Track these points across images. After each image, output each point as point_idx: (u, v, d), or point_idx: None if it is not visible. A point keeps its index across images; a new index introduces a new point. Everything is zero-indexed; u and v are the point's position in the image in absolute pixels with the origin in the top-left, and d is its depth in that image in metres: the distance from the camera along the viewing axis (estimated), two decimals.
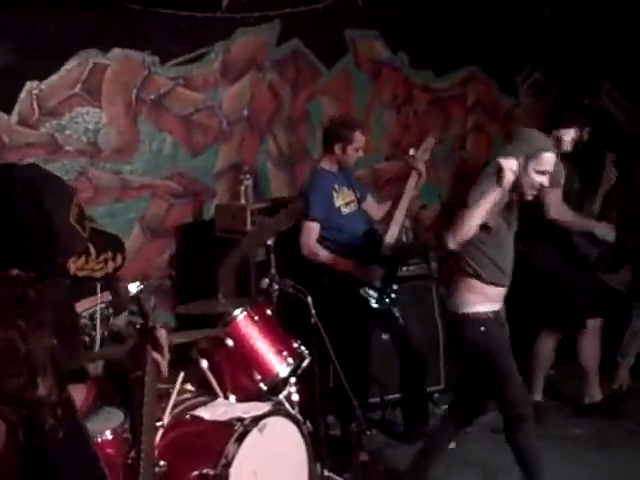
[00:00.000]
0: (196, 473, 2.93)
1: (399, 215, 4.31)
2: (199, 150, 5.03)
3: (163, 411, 3.08)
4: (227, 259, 3.99)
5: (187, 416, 3.19)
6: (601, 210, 4.78)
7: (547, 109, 6.41)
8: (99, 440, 2.88)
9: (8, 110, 4.29)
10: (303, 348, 3.61)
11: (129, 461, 2.85)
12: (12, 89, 4.29)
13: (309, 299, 3.60)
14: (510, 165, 3.20)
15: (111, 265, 1.49)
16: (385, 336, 4.51)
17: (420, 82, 6.04)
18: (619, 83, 6.33)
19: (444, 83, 6.16)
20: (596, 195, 4.74)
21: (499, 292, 3.43)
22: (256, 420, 3.07)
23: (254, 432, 3.03)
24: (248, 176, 4.85)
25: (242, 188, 4.83)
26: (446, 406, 4.83)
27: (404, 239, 4.49)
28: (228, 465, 2.92)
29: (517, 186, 3.32)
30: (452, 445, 4.21)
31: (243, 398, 3.39)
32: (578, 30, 6.22)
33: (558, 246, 4.50)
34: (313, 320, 3.60)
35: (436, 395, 4.94)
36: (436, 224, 5.93)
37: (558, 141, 3.49)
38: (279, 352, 3.52)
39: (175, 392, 3.17)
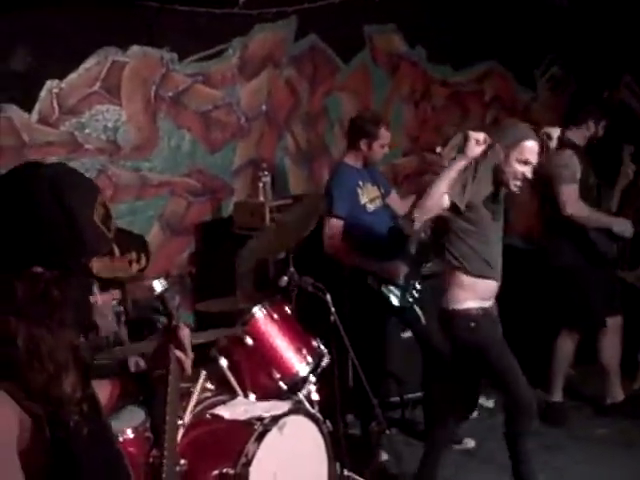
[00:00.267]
0: (216, 472, 2.94)
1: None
2: (217, 147, 5.04)
3: (184, 410, 3.09)
4: (241, 260, 3.99)
5: (207, 415, 3.20)
6: (619, 206, 4.74)
7: (565, 103, 6.37)
8: (121, 439, 2.89)
9: (29, 109, 4.30)
10: (322, 347, 3.60)
11: (150, 460, 2.86)
12: (32, 88, 4.30)
13: (328, 297, 3.60)
14: (476, 136, 3.23)
15: (135, 266, 1.49)
16: (405, 334, 4.50)
17: (438, 76, 6.02)
18: (639, 75, 6.27)
19: (462, 77, 6.13)
20: (614, 190, 4.70)
21: (488, 287, 3.42)
22: (276, 419, 3.07)
23: (274, 431, 3.04)
24: (266, 173, 4.85)
25: (260, 185, 4.83)
26: None
27: (423, 236, 4.46)
28: (248, 464, 2.93)
29: (501, 177, 3.35)
30: (472, 444, 4.22)
31: (263, 397, 3.39)
32: (597, 22, 6.17)
33: (576, 243, 4.46)
34: (332, 318, 3.60)
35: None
36: None
37: (548, 137, 3.46)
38: (298, 350, 3.51)
39: (197, 391, 3.18)
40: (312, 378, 3.48)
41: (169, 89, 4.80)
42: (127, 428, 2.97)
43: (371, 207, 4.31)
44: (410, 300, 4.17)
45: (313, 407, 3.42)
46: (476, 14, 5.90)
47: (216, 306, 3.80)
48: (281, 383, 3.43)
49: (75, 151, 4.46)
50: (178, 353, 1.95)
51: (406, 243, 4.29)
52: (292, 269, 3.80)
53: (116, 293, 3.64)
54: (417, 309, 4.19)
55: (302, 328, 3.63)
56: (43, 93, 4.34)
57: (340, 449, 3.47)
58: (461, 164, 3.26)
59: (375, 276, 4.12)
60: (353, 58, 5.60)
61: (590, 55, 6.28)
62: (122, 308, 3.70)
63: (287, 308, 3.66)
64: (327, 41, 5.43)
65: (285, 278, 3.78)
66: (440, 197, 3.25)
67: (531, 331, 4.84)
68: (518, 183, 3.38)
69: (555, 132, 3.51)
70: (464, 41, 5.92)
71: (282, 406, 3.21)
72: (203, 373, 3.23)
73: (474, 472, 3.87)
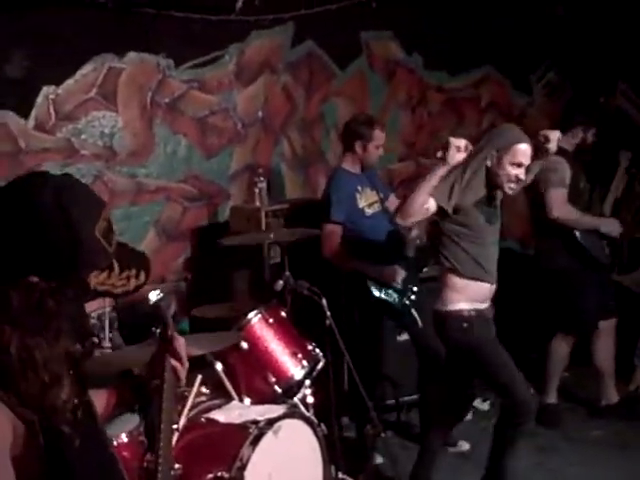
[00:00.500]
0: (211, 476, 2.93)
1: (418, 228, 4.33)
2: (214, 153, 5.06)
3: (179, 414, 3.09)
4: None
5: (202, 419, 3.20)
6: (612, 210, 4.76)
7: (561, 109, 6.39)
8: (115, 443, 2.89)
9: (25, 115, 4.33)
10: (318, 350, 3.61)
11: (145, 464, 2.86)
12: (29, 94, 4.33)
13: (324, 301, 3.61)
14: (457, 143, 3.27)
15: (133, 282, 1.48)
16: (400, 337, 4.51)
17: (434, 83, 6.04)
18: (635, 82, 6.29)
19: (458, 83, 6.15)
20: (607, 195, 4.72)
21: (481, 289, 3.42)
22: (271, 423, 3.07)
23: (269, 435, 3.04)
24: (262, 178, 4.87)
25: (256, 190, 4.84)
26: None
27: (420, 241, 4.47)
28: (243, 468, 2.92)
29: (495, 180, 3.37)
30: (467, 447, 4.22)
31: (258, 401, 3.40)
32: (593, 29, 6.19)
33: (568, 247, 4.48)
34: (328, 322, 3.61)
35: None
36: None
37: (546, 140, 3.48)
38: (294, 354, 3.52)
39: (192, 395, 3.18)
40: (307, 382, 3.48)
41: (165, 95, 4.82)
42: (121, 432, 2.97)
43: (369, 211, 4.32)
44: (407, 303, 4.19)
45: (308, 410, 3.42)
46: (472, 20, 5.92)
47: (212, 312, 3.81)
48: (276, 387, 3.44)
49: (71, 157, 4.48)
50: (174, 362, 1.95)
51: (404, 247, 4.30)
52: (287, 273, 3.81)
53: (108, 301, 3.64)
54: (414, 312, 4.20)
55: (297, 332, 3.64)
56: (39, 99, 4.36)
57: (335, 452, 3.47)
58: (442, 171, 3.29)
59: (373, 280, 4.14)
60: (350, 64, 5.62)
61: (586, 62, 6.31)
62: (115, 314, 3.71)
63: (282, 312, 3.67)
64: (324, 47, 5.45)
65: (280, 282, 3.79)
66: (421, 204, 3.27)
67: (526, 333, 4.86)
68: (512, 185, 3.39)
69: (554, 135, 3.53)
70: (460, 47, 5.95)
71: (277, 410, 3.21)
72: (198, 377, 3.24)
73: (468, 475, 3.87)
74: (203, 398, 3.32)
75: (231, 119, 5.11)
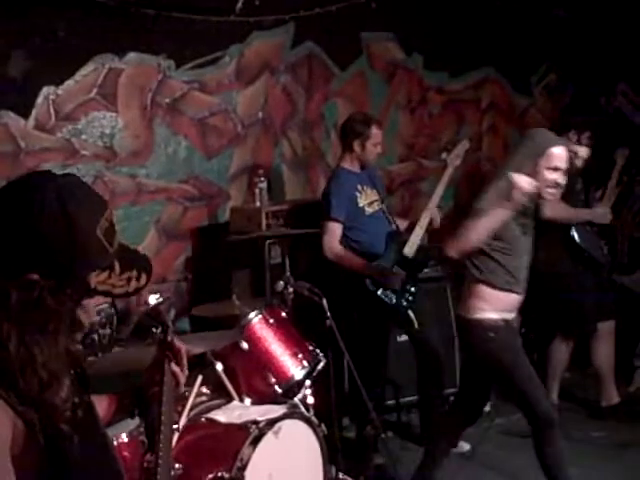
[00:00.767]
0: (211, 476, 2.93)
1: (419, 230, 4.33)
2: (214, 153, 5.06)
3: (180, 414, 3.09)
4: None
5: (202, 419, 3.20)
6: (611, 209, 4.76)
7: (562, 110, 6.40)
8: (115, 443, 2.89)
9: (25, 115, 4.33)
10: (318, 351, 3.60)
11: (145, 464, 2.86)
12: (29, 94, 4.32)
13: (324, 302, 3.60)
14: (522, 185, 3.15)
15: (134, 284, 1.47)
16: (401, 338, 4.51)
17: (435, 84, 6.04)
18: (635, 83, 6.29)
19: (459, 85, 6.16)
20: (604, 194, 4.72)
21: (511, 300, 3.37)
22: (271, 423, 3.07)
23: (269, 435, 3.03)
24: (263, 179, 4.87)
25: (257, 191, 4.85)
26: None
27: (420, 242, 4.47)
28: (243, 468, 2.92)
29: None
30: (467, 447, 4.21)
31: (258, 401, 3.39)
32: (593, 31, 6.19)
33: (566, 250, 4.48)
34: (328, 322, 3.60)
35: (452, 398, 4.94)
36: (447, 226, 5.94)
37: (576, 155, 3.45)
38: (294, 355, 3.51)
39: (193, 395, 3.18)
40: (308, 382, 3.48)
41: (165, 96, 4.82)
42: (122, 432, 2.97)
43: (369, 210, 4.32)
44: (405, 304, 4.19)
45: (309, 411, 3.41)
46: (472, 22, 5.93)
47: (212, 311, 3.81)
48: (277, 387, 3.43)
49: (71, 157, 4.48)
50: (174, 367, 1.95)
51: (403, 247, 4.30)
52: (288, 273, 3.81)
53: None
54: (411, 314, 4.20)
55: (298, 332, 3.63)
56: (40, 99, 4.36)
57: (335, 453, 3.47)
58: (504, 215, 3.16)
59: (372, 279, 4.14)
60: (350, 65, 5.63)
61: (586, 63, 6.31)
62: (113, 310, 3.70)
63: (283, 312, 3.66)
64: (324, 48, 5.46)
65: (281, 283, 3.78)
66: (479, 243, 3.19)
67: (527, 335, 4.85)
68: (551, 191, 3.28)
69: (583, 152, 3.47)
70: (460, 48, 5.95)
71: (277, 410, 3.21)
72: (199, 377, 3.24)
73: (469, 476, 3.87)
74: (203, 398, 3.33)
75: (231, 120, 5.11)
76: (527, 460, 3.94)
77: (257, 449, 2.97)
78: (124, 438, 2.95)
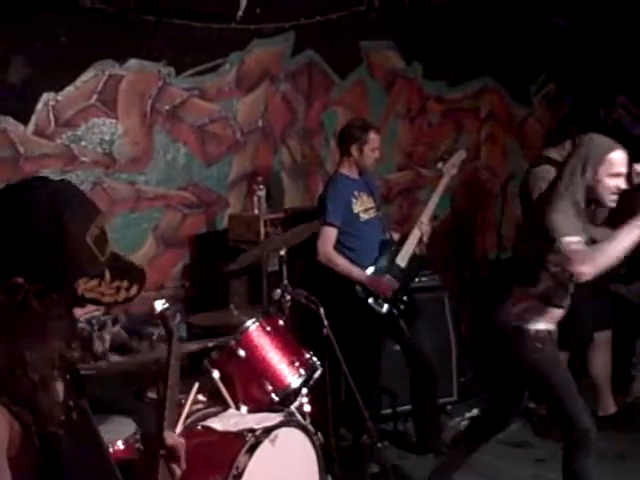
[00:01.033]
0: None
1: (413, 239, 4.34)
2: (213, 160, 5.06)
3: (176, 422, 3.09)
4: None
5: (198, 427, 3.20)
6: (607, 219, 4.75)
7: (560, 119, 6.41)
8: (111, 450, 2.89)
9: (25, 121, 4.33)
10: (315, 359, 3.61)
11: None
12: (29, 100, 4.32)
13: (321, 310, 3.61)
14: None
15: (123, 294, 1.46)
16: (397, 347, 4.51)
17: (434, 93, 6.05)
18: (634, 95, 6.31)
19: (458, 94, 6.17)
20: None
21: (559, 314, 3.31)
22: (267, 431, 3.08)
23: (265, 443, 3.04)
24: (262, 186, 4.88)
25: (255, 198, 4.85)
26: (459, 418, 4.86)
27: (416, 251, 4.48)
28: (239, 476, 2.93)
29: (594, 196, 3.17)
30: None
31: (255, 409, 3.40)
32: (593, 41, 6.21)
33: None
34: (325, 331, 3.61)
35: (449, 407, 4.95)
36: (446, 235, 5.95)
37: (637, 175, 3.39)
38: (291, 363, 3.52)
39: (189, 403, 3.18)
40: (304, 390, 3.48)
41: (165, 103, 4.82)
42: (117, 439, 2.97)
43: (364, 217, 4.34)
44: (396, 313, 4.19)
45: (305, 419, 3.42)
46: (472, 31, 5.95)
47: (209, 319, 3.81)
48: (273, 395, 3.44)
49: (71, 164, 4.47)
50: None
51: (397, 256, 4.31)
52: (285, 282, 3.81)
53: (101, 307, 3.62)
54: (402, 323, 4.21)
55: (295, 340, 3.64)
56: (39, 105, 4.35)
57: (331, 461, 3.46)
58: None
59: (363, 287, 4.15)
60: (350, 74, 5.64)
61: (585, 73, 6.33)
62: (108, 318, 3.69)
63: (280, 320, 3.67)
64: (324, 56, 5.47)
65: (278, 291, 3.79)
66: (617, 260, 3.07)
67: None
68: (613, 197, 3.18)
69: None
70: (460, 58, 5.97)
71: (274, 418, 3.21)
72: (195, 385, 3.24)
73: None
74: (200, 406, 3.33)
75: (231, 127, 5.11)
76: (527, 470, 3.96)
77: (253, 457, 2.98)
78: (120, 445, 2.95)
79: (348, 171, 4.36)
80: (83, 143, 4.52)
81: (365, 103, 5.71)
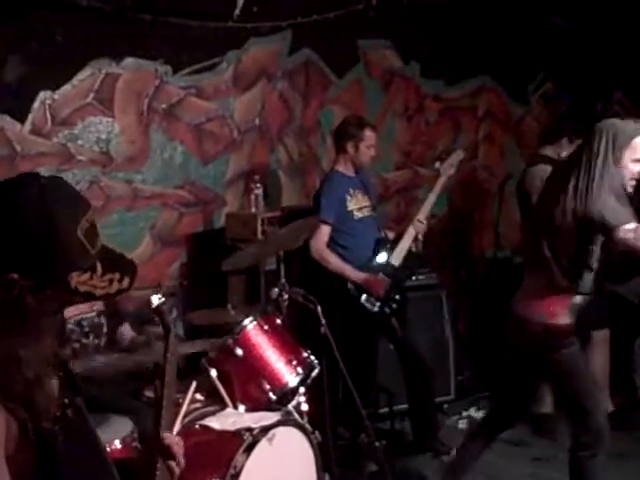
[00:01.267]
0: None
1: (408, 238, 4.33)
2: (210, 159, 5.05)
3: (174, 421, 3.08)
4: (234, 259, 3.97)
5: (196, 426, 3.19)
6: None
7: (557, 117, 6.41)
8: (108, 449, 2.88)
9: (22, 120, 4.32)
10: (313, 358, 3.59)
11: None
12: (25, 99, 4.32)
13: (319, 309, 3.60)
14: None
15: (116, 286, 1.47)
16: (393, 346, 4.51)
17: (431, 92, 6.05)
18: (631, 91, 6.31)
19: (455, 93, 6.17)
20: None
21: (581, 300, 3.24)
22: (265, 430, 3.07)
23: (263, 442, 3.03)
24: (259, 185, 4.87)
25: (253, 197, 4.85)
26: (456, 416, 4.86)
27: (413, 249, 4.47)
28: (237, 475, 2.92)
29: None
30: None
31: (252, 408, 3.39)
32: (589, 40, 6.22)
33: None
34: (323, 330, 3.60)
35: (446, 405, 4.95)
36: (443, 234, 5.95)
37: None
38: (288, 362, 3.51)
39: (187, 402, 3.17)
40: (302, 389, 3.47)
41: (162, 101, 4.82)
42: (115, 439, 2.96)
43: (358, 215, 4.32)
44: (388, 312, 4.19)
45: (302, 418, 3.41)
46: (469, 30, 5.94)
47: (207, 317, 3.80)
48: (271, 394, 3.42)
49: (67, 162, 4.47)
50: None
51: (391, 255, 4.30)
52: (283, 280, 3.80)
53: (98, 304, 3.62)
54: (394, 321, 4.20)
55: (293, 339, 3.63)
56: (36, 104, 4.35)
57: (329, 460, 3.46)
58: None
59: (356, 285, 4.15)
60: (347, 72, 5.63)
61: (582, 71, 6.33)
62: (101, 320, 3.69)
63: (278, 319, 3.66)
64: (321, 55, 5.46)
65: (276, 290, 3.78)
66: None
67: None
68: (633, 183, 3.10)
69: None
70: (457, 57, 5.97)
71: (271, 417, 3.20)
72: (193, 384, 3.23)
73: None
74: (197, 405, 3.32)
75: (228, 126, 5.11)
76: (524, 469, 3.96)
77: (251, 456, 2.97)
78: (117, 445, 2.95)
79: (344, 169, 4.35)
80: (80, 142, 4.52)
81: (362, 102, 5.71)
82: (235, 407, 3.38)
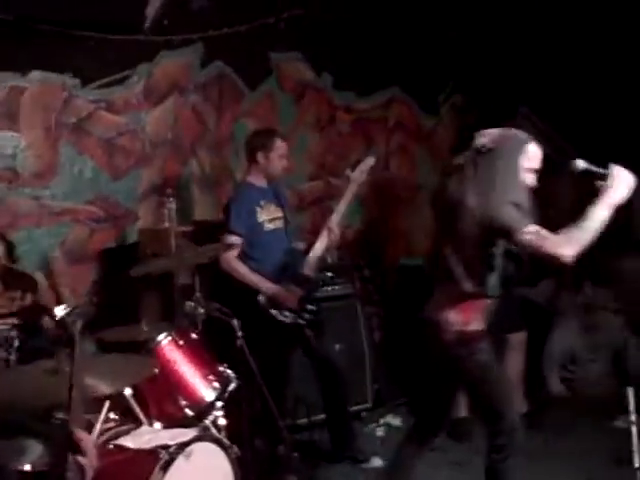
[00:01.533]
0: None
1: (319, 247, 4.34)
2: (121, 174, 4.99)
3: (83, 420, 3.00)
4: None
5: (110, 446, 3.12)
6: None
7: (466, 129, 6.57)
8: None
9: None
10: (229, 371, 3.58)
11: None
12: None
13: (234, 321, 3.58)
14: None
15: (17, 304, 1.46)
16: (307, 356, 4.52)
17: (343, 103, 6.12)
18: (535, 105, 6.51)
19: (366, 104, 6.25)
20: None
21: (490, 307, 3.28)
22: (182, 447, 3.02)
23: (180, 459, 2.98)
24: (171, 199, 4.81)
25: (165, 211, 4.78)
26: (373, 424, 4.91)
27: (328, 259, 4.50)
28: None
29: None
30: (379, 463, 4.24)
31: (169, 425, 3.34)
32: (492, 52, 6.37)
33: None
34: (239, 342, 3.58)
35: (364, 414, 4.99)
36: (358, 244, 6.01)
37: None
38: (205, 376, 3.48)
39: (100, 422, 3.10)
40: (219, 404, 3.45)
41: (71, 115, 4.74)
42: (25, 464, 2.87)
43: (269, 226, 4.31)
44: (302, 322, 4.20)
45: (220, 432, 3.39)
46: (379, 41, 6.03)
47: (120, 334, 3.73)
48: (187, 410, 3.39)
49: None
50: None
51: (302, 266, 4.31)
52: (198, 294, 3.77)
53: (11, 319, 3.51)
54: (308, 331, 4.21)
55: (209, 353, 3.60)
56: None
57: (249, 474, 3.44)
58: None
59: (267, 297, 4.14)
60: (259, 85, 5.65)
61: (488, 84, 6.49)
62: (15, 334, 3.58)
63: (193, 334, 3.63)
64: (233, 68, 5.47)
65: (191, 303, 3.75)
66: (593, 239, 2.98)
67: None
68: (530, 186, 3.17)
69: None
70: (368, 68, 6.05)
71: (188, 433, 3.15)
72: (106, 403, 3.16)
73: None
74: (111, 424, 3.25)
75: (139, 140, 5.05)
76: (439, 475, 4.01)
77: (167, 474, 2.91)
78: (27, 468, 2.86)
79: (255, 180, 4.34)
80: None
81: (275, 114, 5.74)
82: (151, 425, 3.32)
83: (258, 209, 4.27)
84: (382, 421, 4.93)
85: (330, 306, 4.75)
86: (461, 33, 6.35)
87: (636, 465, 3.35)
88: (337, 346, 4.77)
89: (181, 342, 3.50)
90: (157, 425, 3.34)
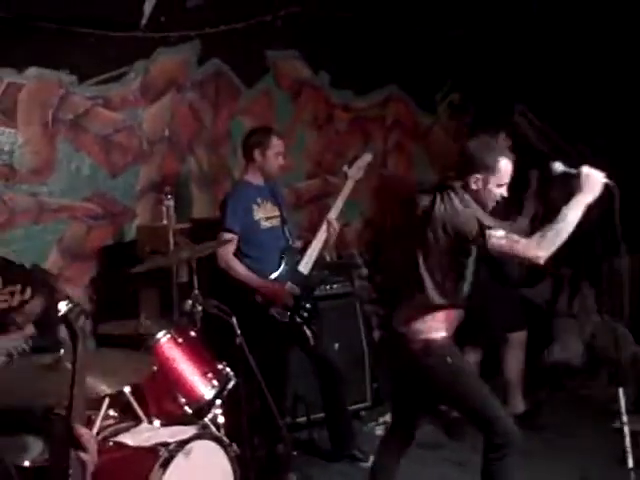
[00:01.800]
0: None
1: (316, 245, 4.33)
2: (119, 171, 4.97)
3: (84, 416, 2.98)
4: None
5: (110, 443, 3.11)
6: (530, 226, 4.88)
7: (465, 128, 6.57)
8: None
9: None
10: (229, 369, 3.57)
11: None
12: None
13: (234, 319, 3.57)
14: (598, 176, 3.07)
15: (17, 298, 1.45)
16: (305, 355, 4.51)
17: (341, 102, 6.11)
18: (532, 103, 6.51)
19: (364, 102, 6.24)
20: (522, 212, 4.83)
21: (458, 315, 3.31)
22: (181, 444, 3.01)
23: (179, 457, 2.97)
24: (169, 196, 4.80)
25: (164, 208, 4.77)
26: (372, 423, 4.90)
27: (327, 258, 4.49)
28: None
29: (481, 201, 3.20)
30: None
31: (168, 422, 3.33)
32: (491, 51, 6.39)
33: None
34: (238, 340, 3.57)
35: (363, 412, 4.99)
36: (358, 242, 6.00)
37: None
38: (204, 374, 3.47)
39: (99, 419, 3.09)
40: (218, 402, 3.44)
41: (68, 112, 4.72)
42: (25, 460, 2.86)
43: (266, 224, 4.30)
44: (299, 321, 4.19)
45: (219, 430, 3.38)
46: (377, 41, 6.03)
47: (119, 329, 3.71)
48: (186, 408, 3.38)
49: None
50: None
51: (299, 264, 4.30)
52: (196, 292, 3.76)
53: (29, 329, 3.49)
54: (306, 330, 4.20)
55: (208, 351, 3.59)
56: None
57: (248, 472, 3.43)
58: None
59: (263, 295, 4.13)
60: (256, 83, 5.63)
61: (486, 82, 6.50)
62: (27, 346, 3.57)
63: (192, 332, 3.62)
64: (230, 65, 5.45)
65: (189, 301, 3.73)
66: (565, 239, 3.03)
67: None
68: (494, 204, 3.23)
69: None
70: (366, 67, 6.04)
71: (187, 431, 3.15)
72: (106, 400, 3.15)
73: None
74: (111, 421, 3.24)
75: (136, 137, 5.03)
76: (432, 472, 4.01)
77: (167, 472, 2.91)
78: (27, 464, 2.85)
79: (252, 178, 4.33)
80: None
81: (272, 112, 5.72)
82: (150, 422, 3.31)
83: (255, 207, 4.26)
84: (381, 420, 4.92)
85: (329, 305, 4.74)
86: (459, 32, 6.35)
87: (630, 466, 3.34)
88: (336, 345, 4.77)
89: (180, 340, 3.49)
90: (156, 423, 3.33)
